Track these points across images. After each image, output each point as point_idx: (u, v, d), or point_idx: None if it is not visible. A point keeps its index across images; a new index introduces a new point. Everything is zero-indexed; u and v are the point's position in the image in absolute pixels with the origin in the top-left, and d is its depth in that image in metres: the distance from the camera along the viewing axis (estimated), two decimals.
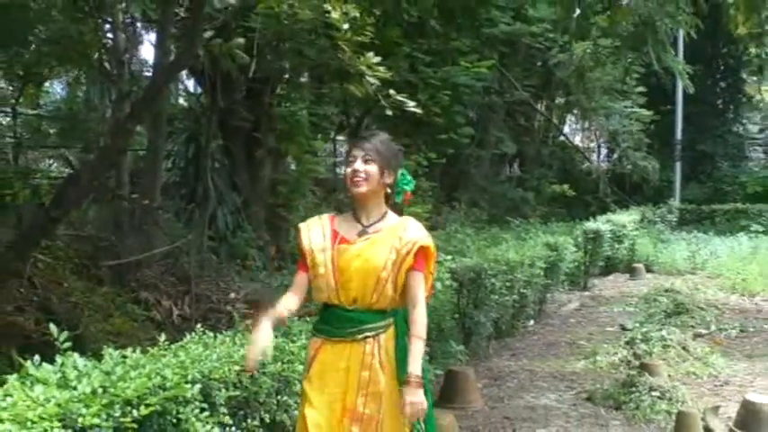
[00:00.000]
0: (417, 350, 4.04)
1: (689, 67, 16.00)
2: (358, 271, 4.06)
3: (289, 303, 4.21)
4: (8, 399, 3.52)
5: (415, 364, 4.00)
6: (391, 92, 10.19)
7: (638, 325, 11.71)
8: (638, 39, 9.78)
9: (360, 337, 4.08)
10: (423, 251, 4.11)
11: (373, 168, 4.07)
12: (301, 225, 4.30)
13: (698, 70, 17.02)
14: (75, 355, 4.06)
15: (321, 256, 4.13)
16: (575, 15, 11.11)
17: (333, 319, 4.16)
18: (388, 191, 4.21)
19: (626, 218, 21.13)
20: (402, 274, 4.07)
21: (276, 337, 4.87)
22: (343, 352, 4.10)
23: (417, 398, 3.97)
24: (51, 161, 17.42)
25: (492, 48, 21.41)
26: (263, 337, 4.06)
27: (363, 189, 4.09)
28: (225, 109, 14.20)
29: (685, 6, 9.62)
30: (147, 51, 23.47)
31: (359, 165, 4.07)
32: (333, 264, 4.11)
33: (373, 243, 4.10)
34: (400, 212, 4.35)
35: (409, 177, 4.42)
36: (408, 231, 4.12)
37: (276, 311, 4.16)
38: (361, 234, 4.14)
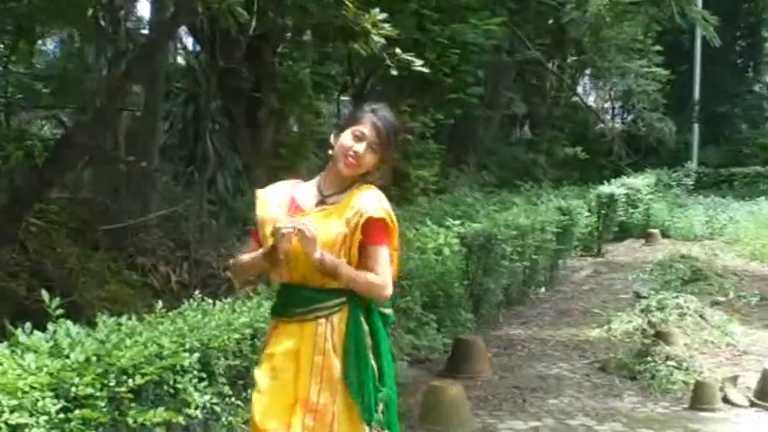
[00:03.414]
0: (346, 267, 3.73)
1: (714, 19, 15.60)
2: None
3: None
4: None
5: (346, 267, 3.73)
6: (397, 50, 10.08)
7: (653, 292, 11.70)
8: None
9: (310, 317, 3.79)
10: (375, 224, 3.77)
11: (372, 159, 3.82)
12: (259, 192, 4.04)
13: (717, 28, 16.82)
14: (69, 322, 4.04)
15: (271, 228, 3.81)
16: None
17: (284, 298, 3.93)
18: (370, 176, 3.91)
19: (641, 182, 21.09)
20: (354, 249, 3.77)
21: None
22: (294, 334, 3.82)
23: (312, 247, 3.66)
24: (44, 122, 17.34)
25: (502, 4, 21.23)
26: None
27: (350, 173, 3.84)
28: (225, 68, 14.11)
29: None
30: (143, 7, 23.36)
31: (362, 149, 3.79)
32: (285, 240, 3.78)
33: (327, 215, 3.82)
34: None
35: None
36: (359, 200, 3.79)
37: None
38: (318, 204, 3.88)
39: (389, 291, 3.82)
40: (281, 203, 3.93)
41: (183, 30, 15.75)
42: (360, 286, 3.77)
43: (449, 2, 18.76)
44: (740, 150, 29.92)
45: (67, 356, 3.76)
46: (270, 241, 3.81)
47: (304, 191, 3.97)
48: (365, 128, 3.81)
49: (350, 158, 3.79)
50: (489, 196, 18.63)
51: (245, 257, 3.99)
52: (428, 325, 8.71)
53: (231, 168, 14.58)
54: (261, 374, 3.90)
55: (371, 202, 3.79)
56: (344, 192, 3.86)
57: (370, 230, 3.78)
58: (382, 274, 3.79)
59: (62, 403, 3.51)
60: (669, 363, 8.23)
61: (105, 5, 14.15)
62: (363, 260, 3.81)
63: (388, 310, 4.00)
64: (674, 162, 27.65)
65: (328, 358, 3.78)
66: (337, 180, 3.88)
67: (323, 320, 3.80)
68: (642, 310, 10.58)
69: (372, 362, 3.82)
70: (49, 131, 16.33)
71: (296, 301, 3.87)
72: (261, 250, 3.87)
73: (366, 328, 3.82)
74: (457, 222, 11.35)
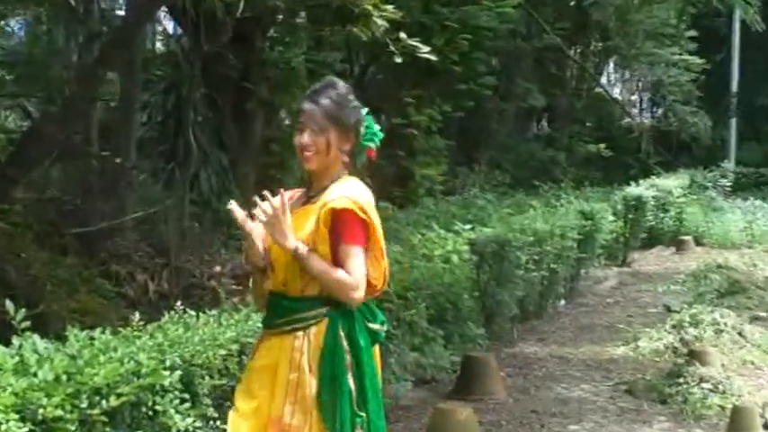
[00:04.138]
0: (317, 259, 3.80)
1: (755, 0, 15.54)
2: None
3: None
4: None
5: (303, 248, 3.77)
6: (402, 35, 10.11)
7: (686, 306, 11.67)
8: None
9: (288, 329, 3.87)
10: (340, 217, 3.80)
11: (325, 139, 3.87)
12: None
13: (758, 10, 16.72)
14: (36, 336, 4.03)
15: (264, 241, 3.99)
16: None
17: (269, 308, 4.03)
18: (345, 159, 3.97)
19: (672, 182, 21.07)
20: (321, 245, 3.82)
21: None
22: (273, 347, 3.91)
23: (279, 235, 3.77)
24: (8, 113, 17.37)
25: None
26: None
27: (314, 165, 3.92)
28: (209, 54, 14.09)
29: None
30: None
31: (307, 138, 3.88)
32: (266, 242, 3.96)
33: (303, 215, 3.92)
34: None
35: (375, 128, 4.08)
36: (329, 193, 3.87)
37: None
38: (303, 204, 4.00)
39: (360, 294, 3.82)
40: None
41: (162, 11, 15.75)
42: (329, 282, 3.81)
43: None
44: None
45: (34, 374, 3.75)
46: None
47: (298, 197, 4.08)
48: (302, 117, 3.93)
49: (302, 153, 3.91)
50: (503, 198, 18.65)
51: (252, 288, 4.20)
52: (435, 341, 8.70)
53: (216, 165, 14.56)
54: (239, 392, 4.00)
55: (337, 192, 3.85)
56: (329, 188, 3.93)
57: (337, 226, 3.81)
58: (354, 274, 3.80)
59: (28, 427, 3.51)
60: (704, 385, 8.21)
61: None
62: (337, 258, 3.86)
63: (377, 326, 4.00)
64: (708, 161, 27.58)
65: (303, 375, 3.82)
66: (317, 178, 3.98)
67: (300, 333, 3.85)
68: (673, 326, 10.56)
69: (351, 382, 3.83)
70: (14, 123, 16.35)
71: (276, 310, 3.96)
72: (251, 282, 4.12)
73: (345, 343, 3.84)
74: (467, 227, 11.33)
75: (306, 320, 3.85)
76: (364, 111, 4.03)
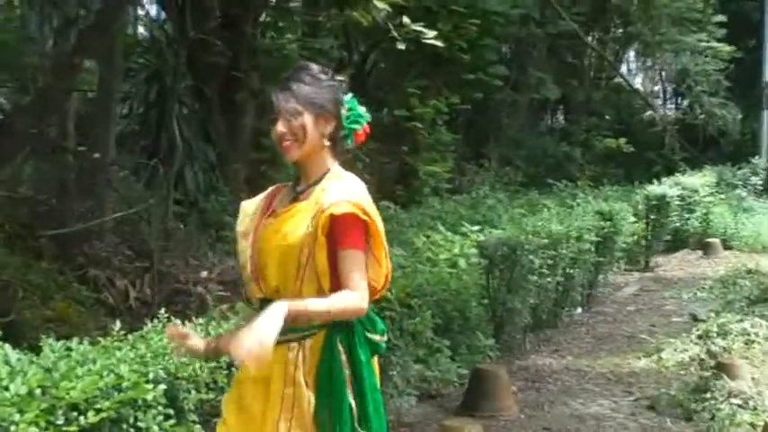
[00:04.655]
0: (314, 302, 3.73)
1: None
2: (275, 251, 3.86)
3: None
4: None
5: (297, 303, 3.68)
6: (405, 20, 10.12)
7: (713, 315, 11.68)
8: None
9: (281, 339, 3.68)
10: (339, 221, 3.77)
11: (300, 124, 3.86)
12: (242, 204, 4.18)
13: None
14: (7, 346, 4.04)
15: (245, 241, 4.00)
16: None
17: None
18: (327, 143, 3.94)
19: (698, 180, 21.04)
20: (320, 255, 3.79)
21: None
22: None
23: (263, 326, 3.59)
24: None
25: None
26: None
27: (295, 154, 3.89)
28: (196, 40, 14.11)
29: None
30: None
31: (281, 126, 3.87)
32: (253, 245, 3.97)
33: (294, 213, 3.90)
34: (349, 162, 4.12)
35: (360, 110, 4.04)
36: (324, 193, 3.85)
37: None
38: (291, 202, 3.98)
39: (366, 304, 3.80)
40: (257, 210, 4.04)
41: None
42: (335, 315, 3.78)
43: None
44: None
45: (6, 388, 3.76)
46: (241, 257, 4.00)
47: (285, 191, 4.08)
48: (275, 107, 3.93)
49: (281, 143, 3.91)
50: (514, 197, 18.66)
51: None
52: (441, 352, 8.70)
53: (203, 161, 14.58)
54: (227, 403, 3.99)
55: (334, 194, 3.81)
56: (318, 183, 3.92)
57: (336, 231, 3.78)
58: (355, 287, 3.77)
59: None
60: (732, 400, 8.20)
61: None
62: (336, 265, 3.83)
63: (378, 336, 3.98)
64: (738, 157, 27.52)
65: (299, 390, 3.81)
66: (305, 172, 3.97)
67: (294, 344, 3.82)
68: (700, 337, 10.56)
69: (351, 399, 3.82)
70: None
71: None
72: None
73: (344, 357, 3.82)
74: (475, 228, 11.35)
75: (301, 331, 3.81)
76: (348, 95, 4.01)
